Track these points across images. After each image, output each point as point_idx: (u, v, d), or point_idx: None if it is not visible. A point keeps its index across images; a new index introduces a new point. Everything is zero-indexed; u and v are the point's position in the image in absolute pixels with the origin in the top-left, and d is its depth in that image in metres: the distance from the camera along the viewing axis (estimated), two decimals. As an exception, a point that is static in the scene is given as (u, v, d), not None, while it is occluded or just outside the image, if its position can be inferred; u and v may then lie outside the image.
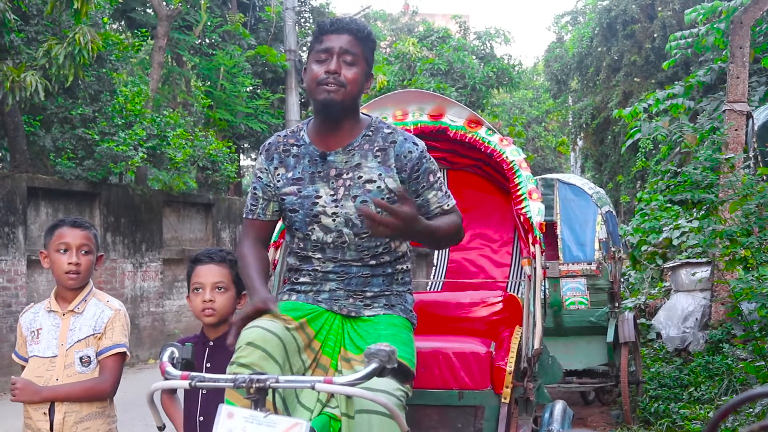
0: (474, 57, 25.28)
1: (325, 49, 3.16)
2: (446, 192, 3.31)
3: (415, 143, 3.26)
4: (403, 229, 2.93)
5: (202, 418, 3.39)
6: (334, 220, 3.19)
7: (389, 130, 3.28)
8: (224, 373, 2.85)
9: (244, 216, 3.41)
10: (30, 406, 3.56)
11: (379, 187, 3.19)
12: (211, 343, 3.52)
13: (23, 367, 3.67)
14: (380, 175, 3.20)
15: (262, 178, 3.33)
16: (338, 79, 3.12)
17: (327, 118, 3.21)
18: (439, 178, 3.30)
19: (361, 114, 3.33)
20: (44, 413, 3.53)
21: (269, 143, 3.37)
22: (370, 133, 3.26)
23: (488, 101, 25.63)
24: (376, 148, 3.23)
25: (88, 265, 3.64)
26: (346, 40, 3.17)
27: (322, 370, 3.12)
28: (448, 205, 3.29)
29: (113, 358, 3.62)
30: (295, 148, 3.30)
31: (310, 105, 3.38)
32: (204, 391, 3.36)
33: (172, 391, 3.53)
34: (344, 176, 3.21)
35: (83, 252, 3.61)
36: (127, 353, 3.67)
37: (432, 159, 3.30)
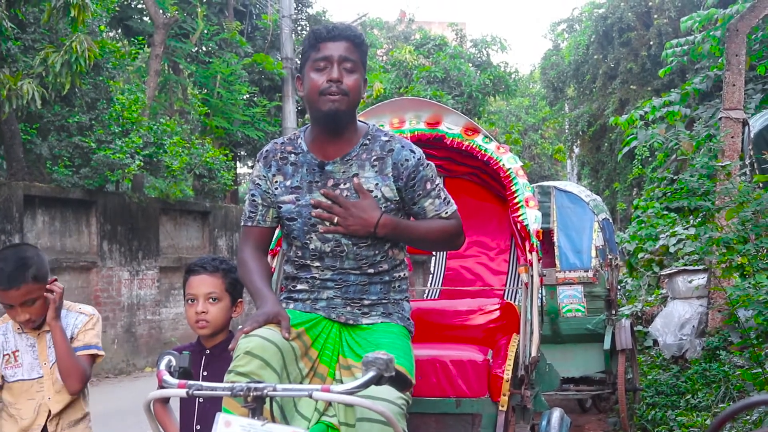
0: (470, 65, 25.33)
1: (324, 57, 3.13)
2: (445, 199, 3.29)
3: (412, 151, 3.25)
4: (358, 223, 3.11)
5: (198, 427, 3.38)
6: (331, 229, 3.19)
7: (387, 138, 3.27)
8: (221, 381, 2.84)
9: (242, 224, 3.37)
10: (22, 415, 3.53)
11: (376, 196, 3.18)
12: (208, 352, 3.51)
13: None
14: (377, 184, 3.19)
15: (260, 185, 3.31)
16: (341, 87, 3.11)
17: (330, 127, 3.19)
18: (437, 185, 3.28)
19: (358, 122, 3.33)
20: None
21: (267, 150, 3.35)
22: (368, 141, 3.25)
23: (485, 109, 25.65)
24: (374, 157, 3.22)
25: (40, 310, 3.47)
26: (345, 47, 3.15)
27: (319, 379, 3.12)
28: (446, 213, 3.28)
29: (83, 357, 3.57)
30: (293, 156, 3.29)
31: (307, 113, 3.37)
32: (201, 400, 3.35)
33: (165, 400, 3.52)
34: (341, 186, 3.20)
35: (29, 303, 3.44)
36: (99, 353, 3.61)
37: (431, 166, 3.29)
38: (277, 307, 3.05)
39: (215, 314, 3.48)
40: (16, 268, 3.39)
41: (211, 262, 3.55)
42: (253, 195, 3.33)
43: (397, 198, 3.22)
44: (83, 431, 3.63)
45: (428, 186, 3.25)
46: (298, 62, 20.24)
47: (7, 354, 3.55)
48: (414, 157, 3.23)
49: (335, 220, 3.11)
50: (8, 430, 3.56)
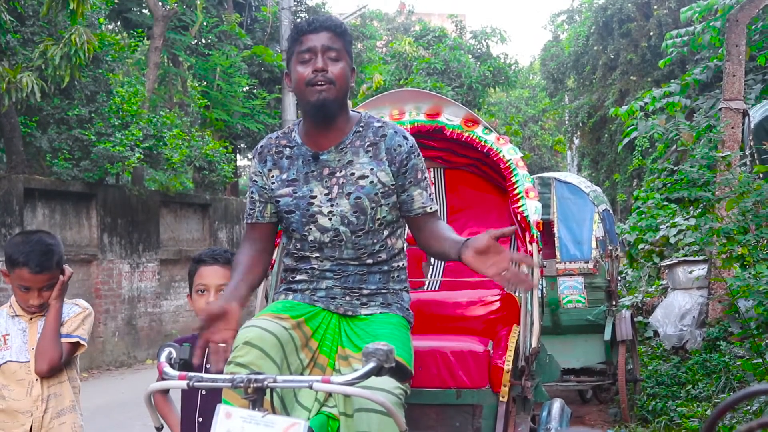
0: (470, 56, 25.28)
1: (308, 49, 3.16)
2: (431, 195, 3.30)
3: (405, 137, 3.27)
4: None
5: (201, 419, 3.38)
6: (330, 219, 3.19)
7: (379, 124, 3.29)
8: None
9: (244, 221, 3.40)
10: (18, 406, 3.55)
11: (372, 182, 3.19)
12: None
13: None
14: (372, 169, 3.20)
15: (257, 182, 3.33)
16: (327, 76, 3.12)
17: (321, 118, 3.20)
18: (426, 177, 3.29)
19: (350, 111, 3.34)
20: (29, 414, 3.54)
21: (261, 146, 3.37)
22: (361, 128, 3.27)
23: (485, 100, 25.61)
24: (368, 143, 3.24)
25: (50, 296, 3.58)
26: (326, 37, 3.17)
27: (319, 369, 3.12)
28: (431, 208, 3.27)
29: (65, 344, 3.62)
30: (287, 149, 3.30)
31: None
32: (203, 392, 3.36)
33: (166, 392, 3.53)
34: (337, 174, 3.21)
35: (45, 289, 3.55)
36: (82, 344, 3.67)
37: (421, 156, 3.30)
38: (221, 302, 2.94)
39: None
40: (45, 254, 3.53)
41: (223, 254, 3.57)
42: (251, 192, 3.35)
43: (394, 183, 3.22)
44: (73, 420, 3.66)
45: (419, 176, 3.25)
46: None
47: None
48: (407, 143, 3.25)
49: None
50: None
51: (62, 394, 3.64)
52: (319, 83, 3.12)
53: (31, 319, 3.62)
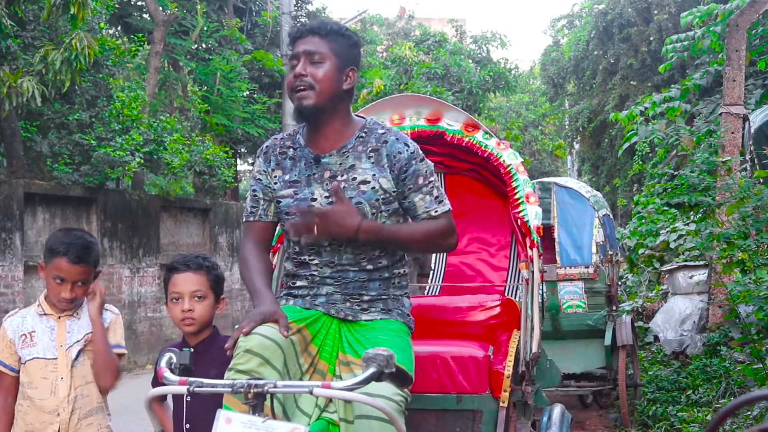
0: (470, 61, 25.26)
1: (295, 56, 3.22)
2: (438, 197, 3.26)
3: (406, 144, 3.26)
4: (332, 230, 3.06)
5: (188, 426, 3.37)
6: (329, 222, 3.19)
7: (382, 131, 3.29)
8: (208, 378, 2.83)
9: (244, 219, 3.39)
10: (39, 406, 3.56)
11: (373, 188, 3.19)
12: (192, 350, 3.51)
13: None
14: (374, 175, 3.20)
15: (261, 180, 3.33)
16: (305, 81, 3.16)
17: (308, 121, 3.25)
18: (431, 182, 3.26)
19: (354, 116, 3.34)
20: (56, 414, 3.55)
21: (266, 146, 3.38)
22: (364, 134, 3.27)
23: (485, 105, 25.59)
24: (370, 148, 3.24)
25: (82, 294, 3.63)
26: (310, 41, 3.21)
27: (319, 375, 3.12)
28: (436, 211, 3.24)
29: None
30: (291, 150, 3.31)
31: None
32: (188, 398, 3.35)
33: (163, 398, 3.52)
34: (338, 178, 3.21)
35: (79, 283, 3.59)
36: (124, 352, 3.74)
37: (425, 161, 3.29)
38: (274, 305, 3.05)
39: (201, 312, 3.49)
40: (85, 247, 3.62)
41: (195, 259, 3.56)
42: (254, 190, 3.35)
43: (395, 190, 3.22)
44: (99, 421, 3.67)
45: (420, 181, 3.24)
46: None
47: (24, 334, 3.62)
48: (407, 150, 3.24)
49: (315, 231, 3.07)
50: (24, 420, 3.58)
51: (90, 395, 3.64)
52: (298, 88, 3.16)
53: (59, 318, 3.63)
